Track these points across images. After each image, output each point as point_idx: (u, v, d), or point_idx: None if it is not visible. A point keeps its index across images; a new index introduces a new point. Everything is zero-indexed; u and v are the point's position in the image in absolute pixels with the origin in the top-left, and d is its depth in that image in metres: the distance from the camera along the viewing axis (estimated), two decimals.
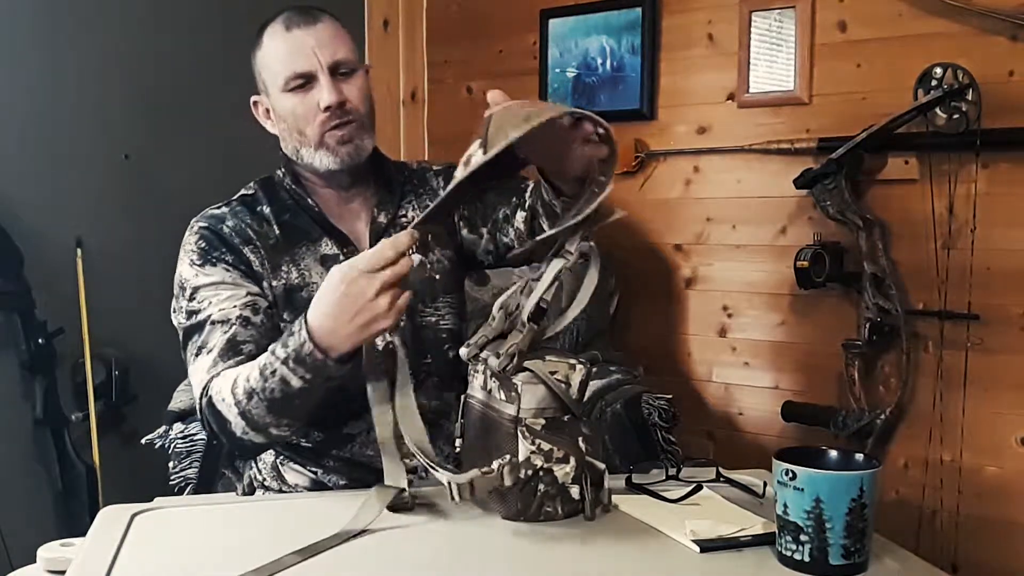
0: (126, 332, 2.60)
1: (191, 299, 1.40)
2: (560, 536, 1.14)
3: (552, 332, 1.20)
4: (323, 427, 1.46)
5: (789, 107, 2.51)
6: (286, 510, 1.30)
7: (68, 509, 2.49)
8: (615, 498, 1.23)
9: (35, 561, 1.86)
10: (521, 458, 1.14)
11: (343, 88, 1.44)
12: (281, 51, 1.44)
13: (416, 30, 3.28)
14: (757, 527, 1.14)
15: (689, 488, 1.28)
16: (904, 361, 2.33)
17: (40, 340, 2.46)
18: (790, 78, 2.50)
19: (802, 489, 1.01)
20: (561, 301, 1.21)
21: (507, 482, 1.12)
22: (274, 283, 1.44)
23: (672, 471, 1.35)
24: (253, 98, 1.53)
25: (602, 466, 1.20)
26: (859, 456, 1.08)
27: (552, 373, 1.15)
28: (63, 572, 1.47)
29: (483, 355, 1.19)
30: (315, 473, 1.49)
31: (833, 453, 1.09)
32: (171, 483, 1.97)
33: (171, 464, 1.98)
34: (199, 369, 1.36)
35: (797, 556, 1.02)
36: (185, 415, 1.99)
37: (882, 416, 2.34)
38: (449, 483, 1.13)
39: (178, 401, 2.04)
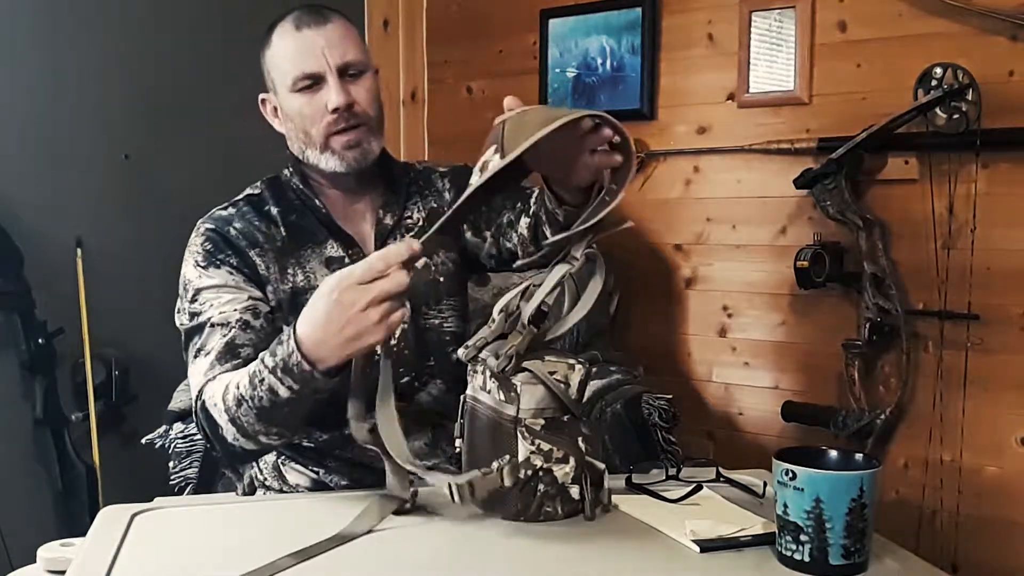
0: (126, 332, 2.60)
1: (193, 301, 1.40)
2: (560, 536, 1.14)
3: (552, 336, 1.20)
4: (325, 427, 1.45)
5: (789, 107, 2.51)
6: (286, 510, 1.30)
7: (68, 509, 2.49)
8: (615, 498, 1.22)
9: (35, 561, 1.86)
10: (521, 458, 1.14)
11: (352, 90, 1.42)
12: (290, 50, 1.43)
13: (416, 30, 3.28)
14: (757, 527, 1.14)
15: (689, 488, 1.27)
16: (904, 361, 2.33)
17: (40, 340, 2.46)
18: (790, 78, 2.50)
19: (802, 489, 1.01)
20: (563, 305, 1.21)
21: (507, 482, 1.12)
22: (281, 286, 1.43)
23: (672, 471, 1.35)
24: (261, 96, 1.52)
25: (602, 466, 1.20)
26: (859, 456, 1.08)
27: (551, 373, 1.15)
28: (63, 572, 1.47)
29: (482, 356, 1.19)
30: (316, 473, 1.49)
31: (833, 453, 1.09)
32: (171, 483, 1.97)
33: (171, 464, 1.99)
34: (197, 371, 1.36)
35: (797, 556, 1.02)
36: (185, 415, 1.99)
37: (882, 416, 2.34)
38: (449, 485, 1.12)
39: (178, 401, 2.04)
